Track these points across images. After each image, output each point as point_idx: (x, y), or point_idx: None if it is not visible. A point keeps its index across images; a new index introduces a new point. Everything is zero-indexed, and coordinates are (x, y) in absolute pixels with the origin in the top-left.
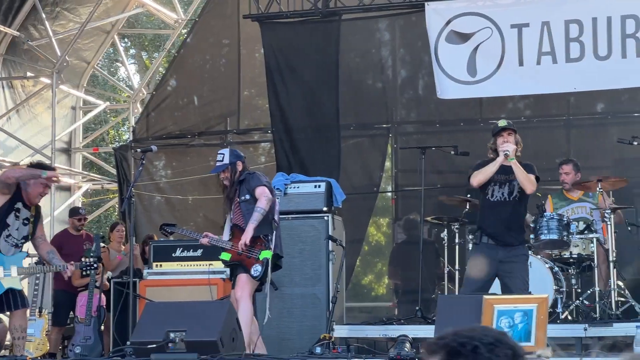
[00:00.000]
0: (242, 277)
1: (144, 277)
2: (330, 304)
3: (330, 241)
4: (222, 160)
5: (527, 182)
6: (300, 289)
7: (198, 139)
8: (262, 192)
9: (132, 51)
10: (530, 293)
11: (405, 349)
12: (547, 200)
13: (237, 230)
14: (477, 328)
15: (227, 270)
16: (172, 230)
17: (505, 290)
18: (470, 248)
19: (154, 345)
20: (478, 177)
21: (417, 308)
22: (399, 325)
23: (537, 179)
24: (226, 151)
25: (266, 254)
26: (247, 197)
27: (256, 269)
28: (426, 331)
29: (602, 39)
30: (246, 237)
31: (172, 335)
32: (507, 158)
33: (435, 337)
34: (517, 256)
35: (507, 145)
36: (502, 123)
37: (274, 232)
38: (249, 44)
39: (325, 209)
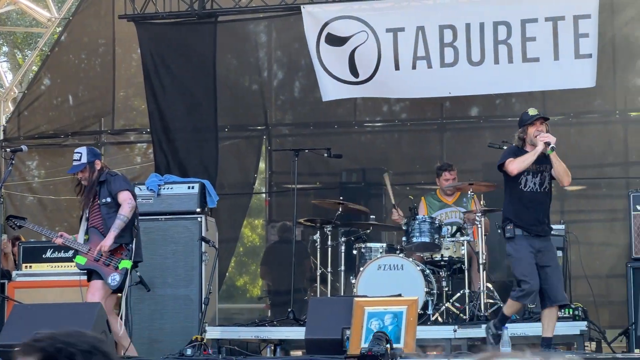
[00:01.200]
0: (97, 284)
1: (12, 278)
2: (203, 306)
3: (203, 242)
4: (79, 160)
5: (565, 175)
6: (172, 290)
7: (72, 138)
8: (125, 199)
9: (4, 49)
10: (400, 295)
11: (380, 345)
12: (420, 203)
13: (94, 234)
14: (74, 333)
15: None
16: (21, 224)
17: (547, 279)
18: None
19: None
20: (517, 165)
21: (289, 310)
22: (271, 327)
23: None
24: (83, 150)
25: (125, 264)
26: (109, 200)
27: (114, 278)
28: (298, 332)
29: (475, 45)
30: (106, 244)
31: None
32: (547, 148)
33: (31, 337)
34: (552, 246)
35: (549, 137)
36: (533, 111)
37: (134, 239)
38: (124, 44)
39: (198, 210)
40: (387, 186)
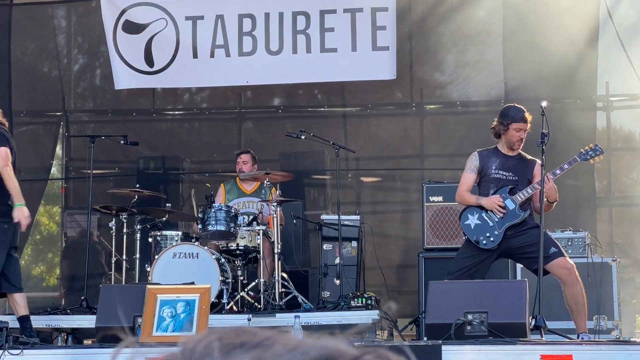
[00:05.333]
0: None
1: None
2: None
3: None
4: None
5: None
6: None
7: None
8: None
9: None
10: (193, 283)
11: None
12: (218, 189)
13: None
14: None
15: None
16: None
17: None
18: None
19: None
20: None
21: (82, 298)
22: (63, 315)
23: None
24: None
25: None
26: None
27: None
28: (90, 321)
29: (274, 34)
30: None
31: None
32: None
33: None
34: None
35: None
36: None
37: None
38: None
39: None
40: (192, 202)
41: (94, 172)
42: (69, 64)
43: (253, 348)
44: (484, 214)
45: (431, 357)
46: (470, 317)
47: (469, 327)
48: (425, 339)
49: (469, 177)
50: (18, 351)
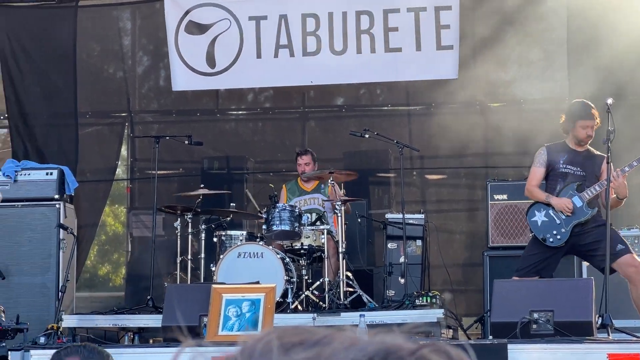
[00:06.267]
0: None
1: None
2: (60, 293)
3: (61, 229)
4: None
5: None
6: (28, 278)
7: None
8: None
9: None
10: (258, 283)
11: None
12: (281, 191)
13: None
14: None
15: None
16: None
17: None
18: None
19: None
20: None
21: (148, 297)
22: (130, 314)
23: None
24: None
25: None
26: None
27: None
28: (156, 320)
29: (338, 34)
30: None
31: None
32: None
33: None
34: None
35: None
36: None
37: None
38: None
39: (57, 196)
40: (252, 200)
41: (158, 172)
42: (133, 65)
43: (312, 346)
44: (551, 211)
45: (497, 355)
46: (535, 315)
47: (534, 326)
48: (490, 337)
49: (538, 172)
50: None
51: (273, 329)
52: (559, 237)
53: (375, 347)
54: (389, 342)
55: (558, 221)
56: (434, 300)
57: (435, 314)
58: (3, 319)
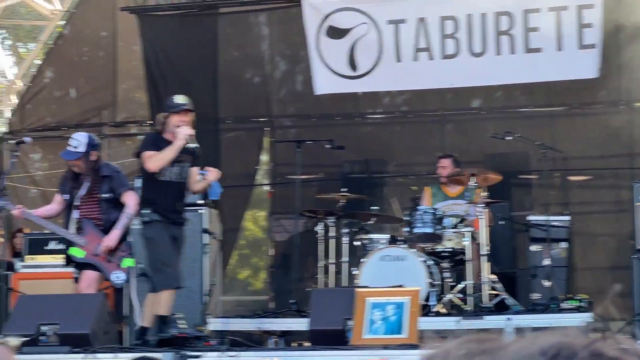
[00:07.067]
0: (92, 275)
1: (16, 269)
2: (205, 297)
3: (205, 234)
4: (75, 148)
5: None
6: None
7: (74, 131)
8: (131, 198)
9: (7, 42)
10: (402, 286)
11: None
12: (424, 193)
13: (90, 227)
14: None
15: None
16: None
17: None
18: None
19: (26, 339)
20: (157, 164)
21: (292, 301)
22: (274, 318)
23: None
24: (82, 138)
25: (129, 262)
26: (110, 195)
27: (118, 277)
28: (300, 324)
29: (476, 36)
30: (111, 241)
31: (44, 328)
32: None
33: None
34: (185, 235)
35: (188, 129)
36: (181, 99)
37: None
38: (126, 37)
39: (201, 202)
40: (397, 209)
41: (300, 177)
42: (271, 69)
43: (491, 352)
44: None
45: None
46: None
47: None
48: (639, 342)
49: None
50: (234, 353)
51: (462, 338)
52: None
53: (549, 342)
54: (565, 339)
55: None
56: (582, 303)
57: (583, 318)
58: (185, 326)
